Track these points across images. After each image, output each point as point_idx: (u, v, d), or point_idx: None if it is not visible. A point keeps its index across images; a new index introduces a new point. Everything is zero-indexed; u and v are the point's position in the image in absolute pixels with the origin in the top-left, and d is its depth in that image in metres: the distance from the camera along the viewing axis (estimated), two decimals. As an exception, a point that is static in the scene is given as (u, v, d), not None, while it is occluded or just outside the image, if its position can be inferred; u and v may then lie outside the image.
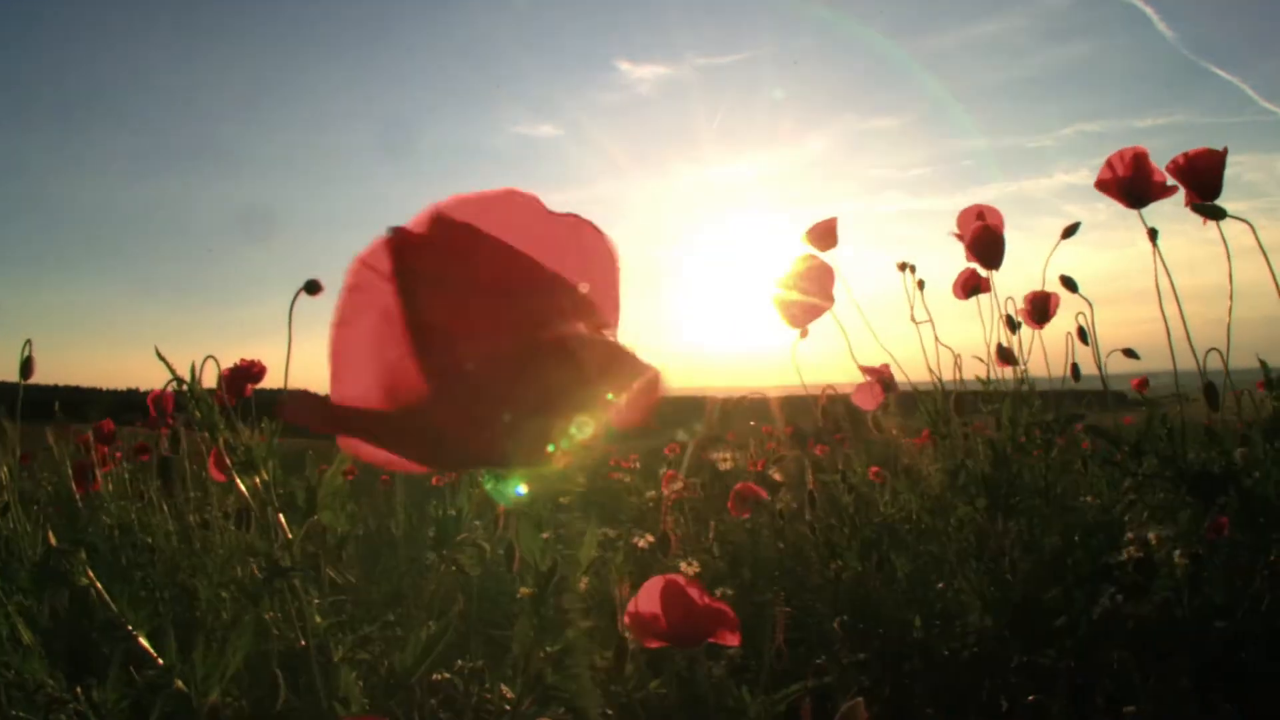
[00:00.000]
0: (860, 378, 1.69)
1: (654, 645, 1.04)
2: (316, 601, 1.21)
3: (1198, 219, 1.40)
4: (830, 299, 1.60)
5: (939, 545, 1.48)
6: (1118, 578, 1.37)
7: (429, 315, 0.34)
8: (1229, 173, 1.42)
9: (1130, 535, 1.41)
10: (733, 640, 1.02)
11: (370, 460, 0.35)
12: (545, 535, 1.08)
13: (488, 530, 1.46)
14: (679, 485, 1.91)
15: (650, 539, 1.48)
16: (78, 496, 1.78)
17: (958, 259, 1.67)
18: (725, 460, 2.12)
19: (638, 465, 4.40)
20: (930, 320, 1.64)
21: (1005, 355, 1.56)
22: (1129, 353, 1.64)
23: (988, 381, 1.58)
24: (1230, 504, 1.34)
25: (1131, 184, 1.43)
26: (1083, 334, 1.59)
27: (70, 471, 1.79)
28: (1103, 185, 1.47)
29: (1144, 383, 2.38)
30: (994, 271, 1.56)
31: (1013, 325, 1.60)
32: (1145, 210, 1.47)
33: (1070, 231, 1.52)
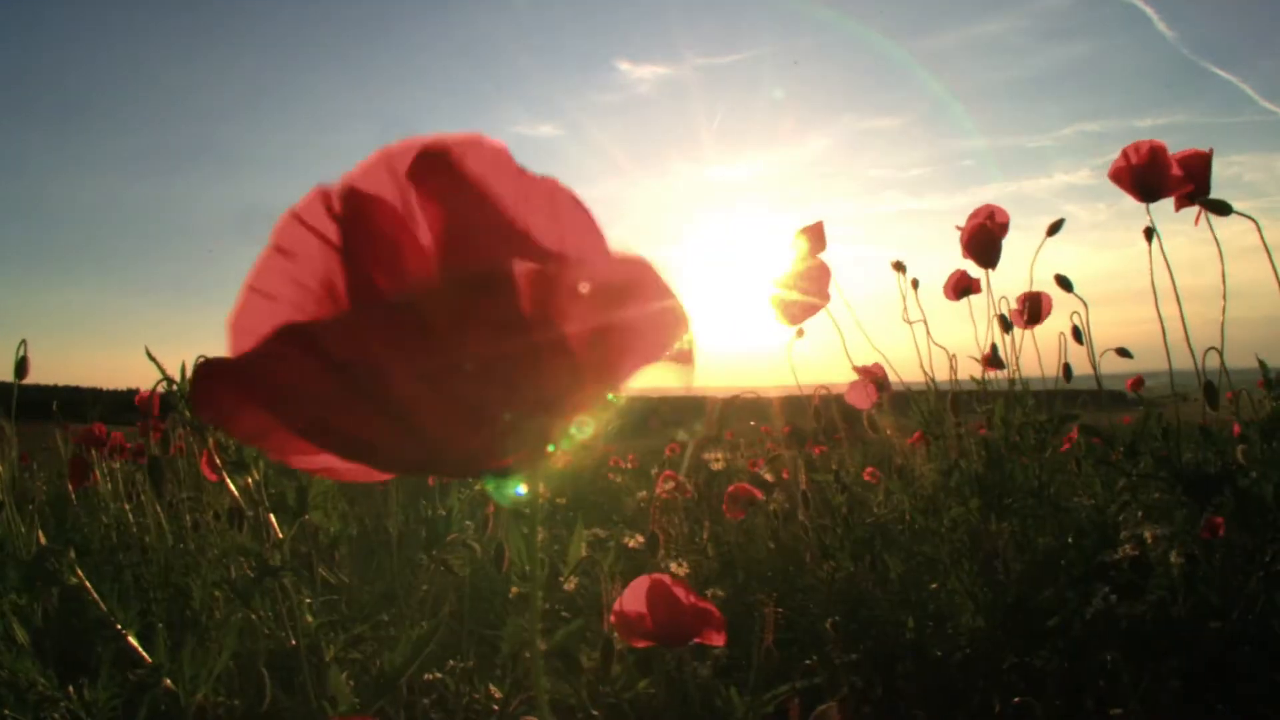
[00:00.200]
0: (855, 377, 1.69)
1: (640, 645, 1.04)
2: (309, 601, 1.21)
3: (1214, 220, 1.39)
4: (826, 297, 1.60)
5: (932, 546, 1.47)
6: (1112, 577, 1.37)
7: (380, 281, 0.28)
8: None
9: (1126, 534, 1.40)
10: (718, 640, 1.02)
11: (334, 475, 0.31)
12: (540, 535, 1.08)
13: (479, 530, 1.46)
14: (670, 486, 1.90)
15: (640, 539, 1.48)
16: (73, 496, 1.78)
17: (957, 259, 1.66)
18: (717, 460, 2.12)
19: (635, 465, 4.41)
20: (924, 320, 1.64)
21: (994, 360, 1.56)
22: (1122, 352, 1.63)
23: (982, 381, 1.58)
24: (1226, 504, 1.34)
25: (1146, 175, 1.42)
26: (1077, 334, 1.59)
27: (66, 471, 1.80)
28: (1116, 175, 1.45)
29: (1139, 382, 2.37)
30: (991, 270, 1.55)
31: (1006, 325, 1.59)
32: (1149, 212, 1.46)
33: (1055, 228, 1.52)
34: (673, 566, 1.41)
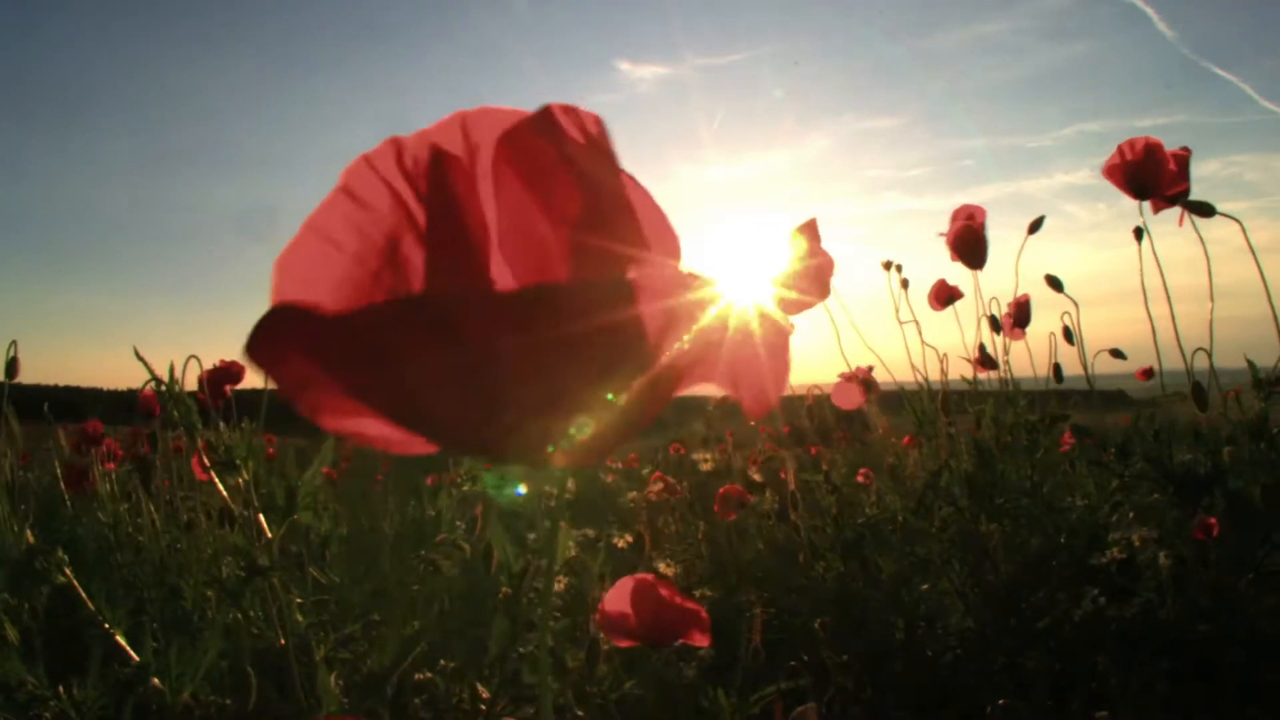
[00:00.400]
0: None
1: (625, 644, 1.04)
2: (299, 601, 1.22)
3: (1197, 220, 1.38)
4: (828, 293, 1.61)
5: (923, 546, 1.47)
6: (1101, 580, 1.36)
7: (449, 248, 0.26)
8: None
9: (1115, 536, 1.40)
10: (703, 640, 1.02)
11: (363, 441, 0.28)
12: (532, 536, 1.09)
13: (469, 530, 1.47)
14: (659, 487, 1.91)
15: (629, 539, 1.49)
16: (67, 496, 1.79)
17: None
18: (706, 461, 2.12)
19: (630, 465, 4.41)
20: (915, 320, 1.64)
21: (985, 361, 1.55)
22: (1115, 353, 1.62)
23: (974, 381, 1.58)
24: (1216, 505, 1.33)
25: (1140, 171, 1.40)
26: (1068, 334, 1.58)
27: (59, 471, 1.81)
28: (1110, 171, 1.44)
29: (1149, 372, 2.32)
30: (978, 271, 1.55)
31: (996, 326, 1.59)
32: (1140, 211, 1.45)
33: (1035, 226, 1.51)
34: (661, 566, 1.41)
